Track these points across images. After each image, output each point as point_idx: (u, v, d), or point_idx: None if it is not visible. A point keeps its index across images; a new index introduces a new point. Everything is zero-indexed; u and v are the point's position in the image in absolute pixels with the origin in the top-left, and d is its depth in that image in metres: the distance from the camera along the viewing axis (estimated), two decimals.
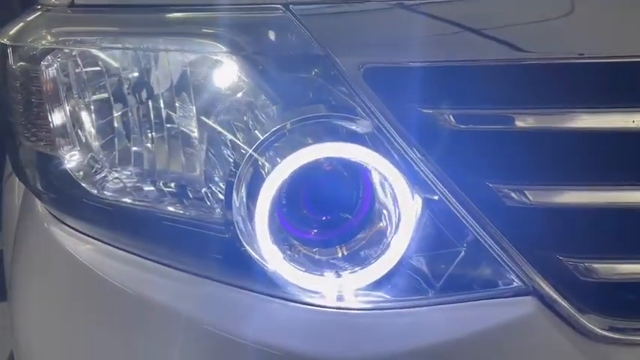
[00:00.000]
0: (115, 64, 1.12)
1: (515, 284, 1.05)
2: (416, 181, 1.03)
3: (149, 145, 1.12)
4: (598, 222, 1.04)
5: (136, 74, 1.11)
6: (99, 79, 1.13)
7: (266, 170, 1.01)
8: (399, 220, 1.02)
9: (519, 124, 1.02)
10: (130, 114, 1.12)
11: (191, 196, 1.12)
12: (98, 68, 1.12)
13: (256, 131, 1.05)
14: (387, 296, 1.05)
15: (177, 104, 1.10)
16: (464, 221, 1.04)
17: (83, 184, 1.16)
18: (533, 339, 1.04)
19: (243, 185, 1.03)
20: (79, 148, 1.15)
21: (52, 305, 1.25)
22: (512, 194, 1.03)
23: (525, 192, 1.03)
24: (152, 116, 1.12)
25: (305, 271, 1.04)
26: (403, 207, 1.02)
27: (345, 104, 1.04)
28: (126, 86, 1.12)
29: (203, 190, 1.11)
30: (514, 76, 1.03)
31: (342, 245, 1.07)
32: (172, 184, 1.13)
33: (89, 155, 1.15)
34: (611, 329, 1.05)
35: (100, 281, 1.16)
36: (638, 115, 1.01)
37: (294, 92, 1.05)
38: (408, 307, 1.05)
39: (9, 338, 1.38)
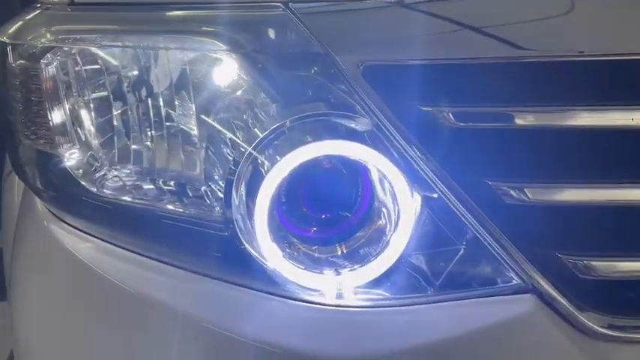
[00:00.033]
0: (115, 62, 1.12)
1: (514, 282, 1.05)
2: (415, 179, 1.03)
3: (148, 143, 1.12)
4: (597, 220, 1.05)
5: (135, 72, 1.11)
6: (98, 77, 1.13)
7: (265, 168, 1.01)
8: (398, 218, 1.03)
9: (519, 121, 1.02)
10: (129, 112, 1.12)
11: (190, 194, 1.12)
12: (98, 66, 1.12)
13: (256, 129, 1.05)
14: (387, 294, 1.06)
15: (176, 102, 1.10)
16: (463, 219, 1.04)
17: (83, 183, 1.16)
18: (532, 337, 1.04)
19: (243, 183, 1.03)
20: (78, 146, 1.15)
21: (51, 303, 1.25)
22: (512, 192, 1.03)
23: (524, 190, 1.03)
24: (151, 114, 1.12)
25: (304, 269, 1.04)
26: (402, 205, 1.02)
27: (344, 102, 1.04)
28: (125, 84, 1.12)
29: (202, 188, 1.11)
30: (514, 74, 1.03)
31: (342, 243, 1.07)
32: (172, 183, 1.13)
33: (89, 153, 1.15)
34: (610, 327, 1.05)
35: (99, 279, 1.16)
36: (637, 112, 1.01)
37: (294, 90, 1.05)
38: (408, 305, 1.05)
39: (9, 337, 1.38)
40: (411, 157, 1.03)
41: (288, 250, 1.05)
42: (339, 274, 1.05)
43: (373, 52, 1.04)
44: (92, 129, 1.14)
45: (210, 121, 1.09)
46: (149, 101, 1.11)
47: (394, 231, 1.03)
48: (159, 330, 1.12)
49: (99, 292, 1.18)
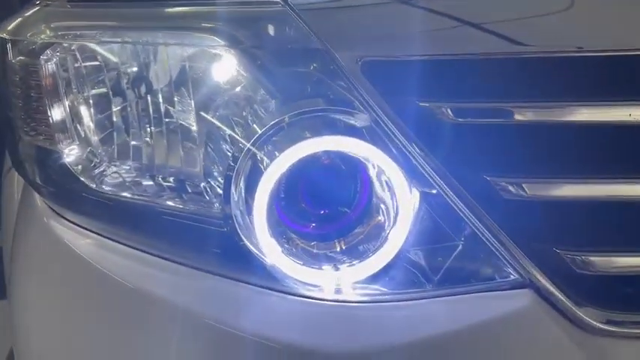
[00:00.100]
0: (114, 59, 1.12)
1: (512, 277, 1.05)
2: (414, 175, 1.03)
3: (148, 139, 1.13)
4: (595, 215, 1.05)
5: (134, 68, 1.11)
6: (98, 73, 1.13)
7: (264, 164, 1.01)
8: (396, 213, 1.03)
9: (517, 117, 1.03)
10: (128, 108, 1.13)
11: (190, 190, 1.12)
12: (97, 62, 1.13)
13: (255, 125, 1.05)
14: (385, 289, 1.06)
15: (175, 98, 1.11)
16: (461, 214, 1.04)
17: (82, 179, 1.16)
18: (530, 332, 1.04)
19: (242, 179, 1.03)
20: (78, 143, 1.16)
21: (51, 299, 1.25)
22: (510, 187, 1.03)
23: (522, 185, 1.03)
24: (151, 110, 1.12)
25: (303, 265, 1.04)
26: (401, 200, 1.02)
27: (343, 98, 1.04)
28: (125, 80, 1.12)
29: (202, 184, 1.11)
30: (512, 70, 1.03)
31: (340, 239, 1.08)
32: (171, 179, 1.13)
33: (88, 149, 1.15)
34: (608, 322, 1.05)
35: (99, 275, 1.16)
36: (634, 108, 1.01)
37: (293, 86, 1.06)
38: (406, 300, 1.06)
39: (9, 335, 1.38)
40: (409, 152, 1.03)
41: (286, 245, 1.05)
42: (337, 269, 1.05)
43: (372, 48, 1.04)
44: (92, 125, 1.14)
45: (209, 117, 1.09)
46: (148, 97, 1.11)
47: (393, 226, 1.03)
48: (159, 326, 1.12)
49: (99, 288, 1.18)
